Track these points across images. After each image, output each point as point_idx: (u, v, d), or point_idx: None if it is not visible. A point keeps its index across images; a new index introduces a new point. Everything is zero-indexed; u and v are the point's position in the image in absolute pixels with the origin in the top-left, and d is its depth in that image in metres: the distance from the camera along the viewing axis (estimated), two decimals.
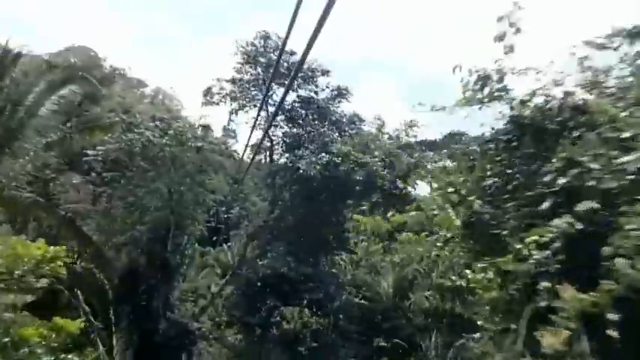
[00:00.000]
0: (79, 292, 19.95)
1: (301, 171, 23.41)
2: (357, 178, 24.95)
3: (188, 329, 23.56)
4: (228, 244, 35.78)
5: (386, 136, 28.01)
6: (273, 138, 27.68)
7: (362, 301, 28.80)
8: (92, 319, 20.02)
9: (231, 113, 28.06)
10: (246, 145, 22.91)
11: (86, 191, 24.16)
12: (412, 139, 27.66)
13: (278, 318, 23.91)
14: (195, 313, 25.61)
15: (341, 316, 23.82)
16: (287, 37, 4.63)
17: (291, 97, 27.55)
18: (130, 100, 38.73)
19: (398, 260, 37.91)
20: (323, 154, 24.31)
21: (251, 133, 26.44)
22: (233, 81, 27.41)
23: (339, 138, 25.39)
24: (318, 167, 22.87)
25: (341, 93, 28.48)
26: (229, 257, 33.44)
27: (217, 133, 37.93)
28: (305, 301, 24.13)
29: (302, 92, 27.98)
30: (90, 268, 20.87)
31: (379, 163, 24.08)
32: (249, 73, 27.69)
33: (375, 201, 29.33)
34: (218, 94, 27.44)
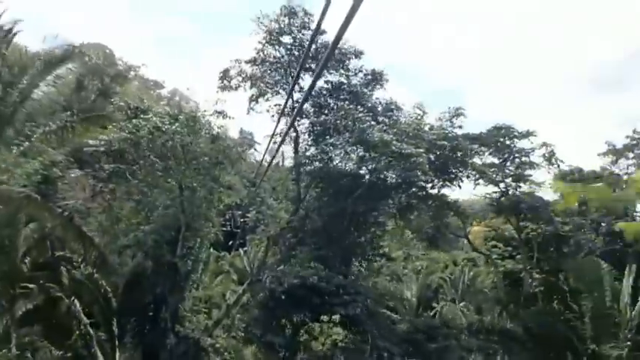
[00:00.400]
0: (76, 301, 18.52)
1: (335, 163, 21.52)
2: (395, 173, 23.10)
3: (200, 345, 21.96)
4: (244, 248, 34.29)
5: (427, 127, 26.02)
6: (298, 127, 25.88)
7: (384, 311, 26.82)
8: (91, 330, 18.59)
9: (250, 100, 26.36)
10: (272, 135, 21.05)
11: (87, 187, 22.85)
12: (458, 130, 25.62)
13: (305, 336, 21.85)
14: (209, 326, 23.77)
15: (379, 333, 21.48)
16: (322, 19, 4.30)
17: (319, 82, 25.73)
18: (147, 101, 37.91)
19: (420, 267, 36.51)
20: (357, 145, 22.51)
21: (278, 120, 24.56)
22: (254, 61, 25.51)
23: (376, 126, 23.42)
24: (354, 159, 20.99)
25: (375, 78, 26.66)
26: (245, 263, 31.84)
27: (233, 133, 36.45)
28: (338, 317, 22.08)
29: (331, 77, 26.14)
30: (92, 273, 19.42)
31: (425, 155, 22.05)
32: (271, 55, 25.99)
33: (406, 203, 27.29)
34: (237, 77, 25.73)
